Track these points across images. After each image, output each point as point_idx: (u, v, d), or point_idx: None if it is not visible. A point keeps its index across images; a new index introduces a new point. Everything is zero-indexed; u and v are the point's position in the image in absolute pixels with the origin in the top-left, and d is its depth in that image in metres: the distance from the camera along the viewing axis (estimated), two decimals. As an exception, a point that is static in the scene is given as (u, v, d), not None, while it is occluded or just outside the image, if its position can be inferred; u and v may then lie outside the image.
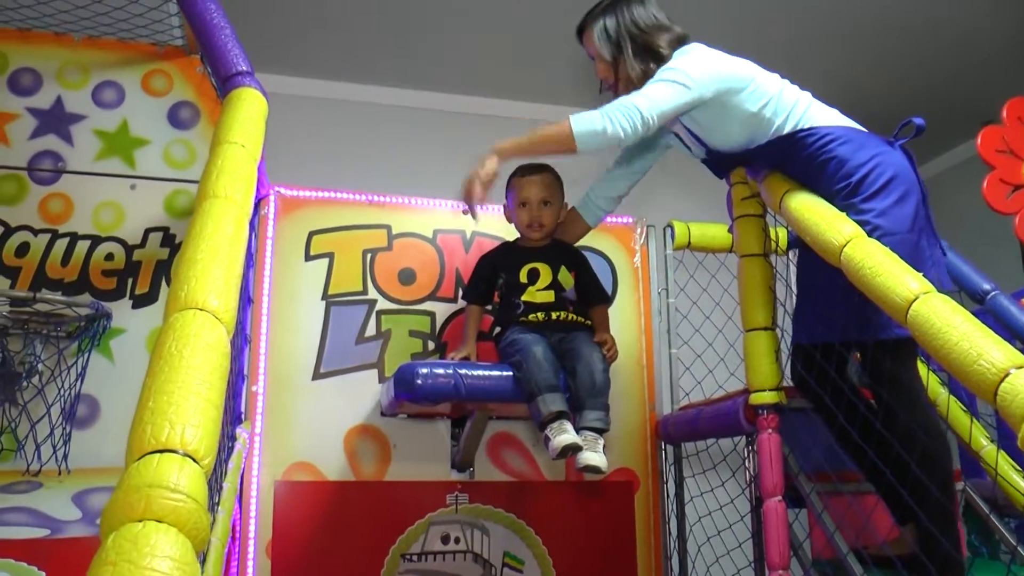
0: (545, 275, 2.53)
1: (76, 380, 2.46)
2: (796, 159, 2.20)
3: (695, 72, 2.19)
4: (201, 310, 1.15)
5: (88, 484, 2.30)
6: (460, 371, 2.31)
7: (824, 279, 2.07)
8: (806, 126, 2.20)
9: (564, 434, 2.21)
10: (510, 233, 2.94)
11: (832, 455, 2.43)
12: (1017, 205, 2.68)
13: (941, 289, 1.77)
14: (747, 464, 2.53)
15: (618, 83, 2.38)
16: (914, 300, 1.74)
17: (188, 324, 1.11)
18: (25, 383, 2.44)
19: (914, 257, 2.02)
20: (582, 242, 2.94)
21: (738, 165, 2.38)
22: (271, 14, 4.05)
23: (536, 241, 2.60)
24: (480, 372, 2.33)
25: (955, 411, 2.58)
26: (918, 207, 2.13)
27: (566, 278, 2.56)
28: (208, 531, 0.89)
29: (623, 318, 2.98)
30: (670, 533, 2.94)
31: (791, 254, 2.97)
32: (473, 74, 4.62)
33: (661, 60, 2.28)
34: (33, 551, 1.90)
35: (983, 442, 2.63)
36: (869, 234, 1.95)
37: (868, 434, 2.06)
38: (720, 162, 2.40)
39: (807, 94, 2.30)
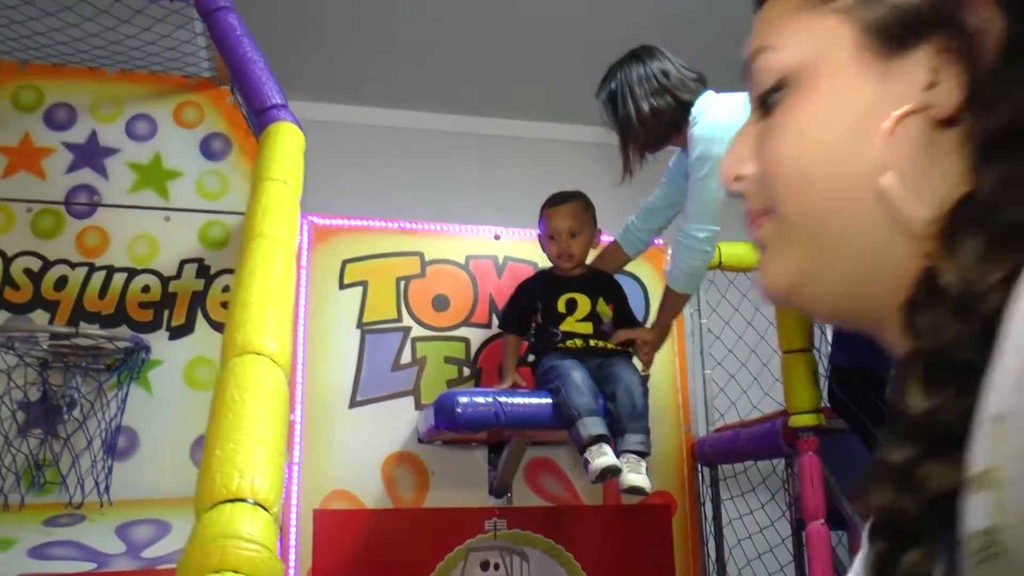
0: (583, 306, 2.50)
1: (116, 412, 2.48)
2: None
3: (715, 151, 2.11)
4: (259, 354, 1.15)
5: (130, 516, 2.31)
6: (500, 399, 2.30)
7: None
8: None
9: (603, 456, 2.20)
10: (541, 257, 2.95)
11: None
12: None
13: None
14: (787, 486, 2.51)
15: (631, 150, 2.35)
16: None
17: (248, 369, 1.11)
18: (67, 416, 2.46)
19: None
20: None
21: None
22: (301, 40, 4.08)
23: (571, 270, 2.56)
24: (520, 400, 2.32)
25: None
26: None
27: (604, 310, 2.53)
28: (281, 580, 0.89)
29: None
30: (708, 556, 2.92)
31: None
32: (506, 97, 4.63)
33: (682, 111, 2.25)
34: (81, 587, 1.92)
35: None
36: None
37: None
38: None
39: None
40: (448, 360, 2.79)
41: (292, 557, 2.51)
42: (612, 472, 2.20)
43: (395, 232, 2.89)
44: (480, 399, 2.29)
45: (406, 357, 2.76)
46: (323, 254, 2.79)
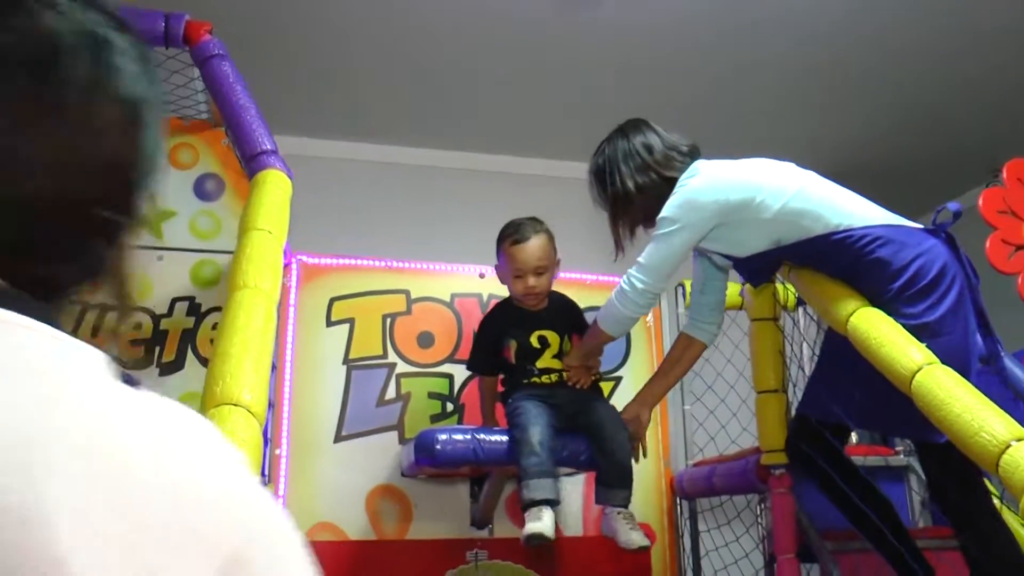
0: (554, 344, 2.54)
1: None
2: (834, 262, 2.11)
3: (686, 216, 2.15)
4: (235, 405, 1.23)
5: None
6: (478, 436, 2.38)
7: (849, 363, 2.04)
8: (841, 227, 2.09)
9: (537, 523, 2.23)
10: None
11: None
12: (1019, 265, 2.73)
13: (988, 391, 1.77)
14: (760, 521, 2.58)
15: (620, 226, 2.36)
16: (917, 371, 1.80)
17: (224, 421, 1.19)
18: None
19: (967, 359, 2.00)
20: (595, 302, 3.03)
21: (772, 270, 2.33)
22: (291, 76, 4.18)
23: (538, 306, 2.58)
24: (496, 437, 2.40)
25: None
26: (967, 301, 2.07)
27: (568, 347, 2.58)
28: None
29: (637, 376, 3.05)
30: (686, 587, 2.98)
31: (800, 311, 3.04)
32: (492, 132, 4.73)
33: (667, 186, 2.24)
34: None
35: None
36: (919, 335, 1.90)
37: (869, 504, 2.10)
38: (751, 269, 2.32)
39: (838, 188, 2.20)
40: (432, 396, 2.87)
41: (278, 589, 2.57)
42: (540, 540, 2.24)
43: (382, 270, 2.97)
44: (459, 436, 2.36)
45: (391, 393, 2.83)
46: (311, 292, 2.87)
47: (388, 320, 2.90)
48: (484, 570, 2.77)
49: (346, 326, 2.86)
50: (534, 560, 2.82)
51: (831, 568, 2.39)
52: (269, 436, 2.67)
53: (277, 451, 2.67)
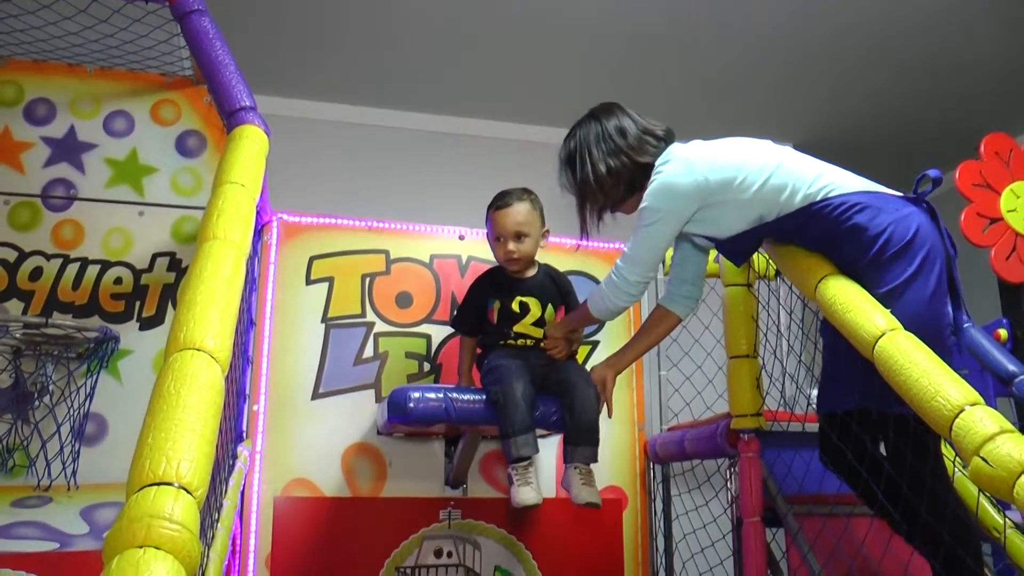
0: (534, 311, 2.58)
1: (85, 400, 2.57)
2: (813, 233, 2.09)
3: (666, 204, 2.13)
4: (198, 350, 1.25)
5: (95, 499, 2.40)
6: (451, 395, 2.41)
7: (844, 346, 1.97)
8: (819, 198, 2.06)
9: (527, 487, 2.28)
10: (504, 258, 3.06)
11: (809, 478, 2.53)
12: (993, 238, 2.77)
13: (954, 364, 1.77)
14: (729, 485, 2.62)
15: (589, 211, 2.34)
16: (880, 336, 1.82)
17: (186, 364, 1.21)
18: (37, 402, 2.55)
19: (935, 326, 1.97)
20: (574, 267, 3.06)
21: (753, 249, 2.30)
22: (272, 37, 4.17)
23: (520, 272, 2.62)
24: (469, 396, 2.43)
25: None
26: (940, 270, 2.02)
27: (552, 318, 2.61)
28: (199, 557, 0.99)
29: (613, 342, 3.08)
30: (657, 549, 3.03)
31: (777, 280, 3.07)
32: (474, 97, 4.73)
33: (640, 172, 2.23)
34: (44, 564, 2.01)
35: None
36: (887, 301, 1.91)
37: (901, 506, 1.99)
38: (733, 250, 2.27)
39: (815, 161, 2.17)
40: (409, 355, 2.90)
41: (252, 542, 2.62)
42: (532, 506, 2.30)
43: (362, 231, 2.98)
44: (431, 395, 2.39)
45: (368, 352, 2.86)
46: (291, 250, 2.89)
47: (367, 280, 2.92)
48: (458, 529, 2.81)
49: (325, 285, 2.88)
50: (508, 520, 2.86)
51: (795, 531, 2.44)
52: (247, 392, 2.70)
53: (255, 407, 2.70)
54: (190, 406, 1.14)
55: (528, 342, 2.56)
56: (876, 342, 1.82)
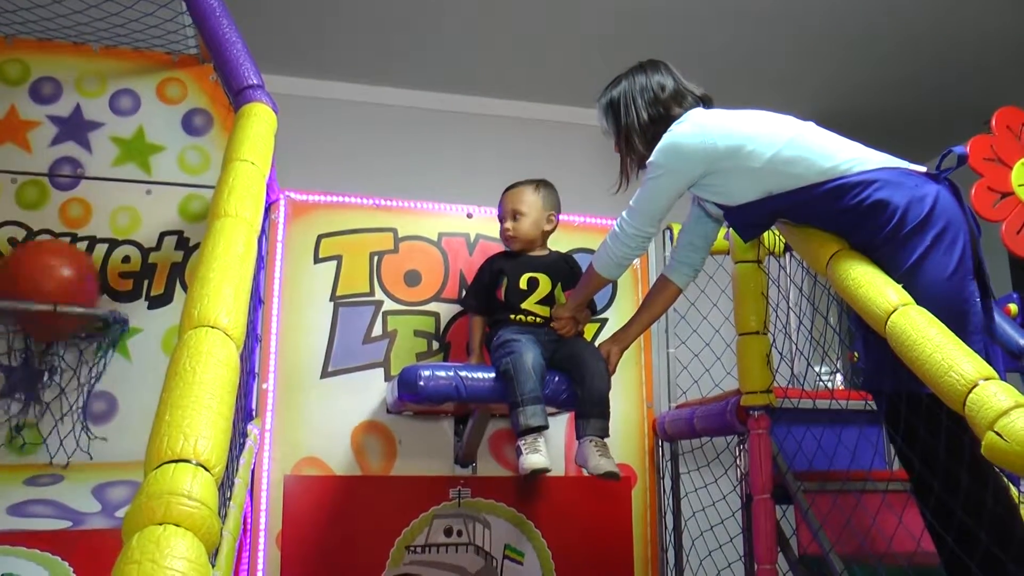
0: (544, 287, 2.62)
1: (96, 379, 2.58)
2: (830, 213, 2.03)
3: (671, 162, 2.15)
4: (213, 328, 1.25)
5: (107, 477, 2.41)
6: (461, 373, 2.41)
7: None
8: (836, 175, 2.01)
9: (535, 455, 2.28)
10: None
11: (819, 455, 2.53)
12: (1004, 212, 2.74)
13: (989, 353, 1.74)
14: (738, 462, 2.62)
15: (629, 158, 2.36)
16: (893, 312, 1.81)
17: (201, 341, 1.21)
18: (48, 381, 2.55)
19: (959, 302, 1.90)
20: (585, 244, 3.06)
21: (764, 225, 2.25)
22: (279, 16, 4.14)
23: (524, 250, 2.70)
24: (479, 374, 2.42)
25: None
26: (964, 248, 1.95)
27: (560, 297, 2.64)
28: (218, 534, 0.99)
29: (622, 318, 3.07)
30: (666, 527, 3.04)
31: (787, 256, 3.06)
32: (481, 75, 4.70)
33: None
34: (57, 542, 2.01)
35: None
36: (908, 279, 1.87)
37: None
38: (742, 221, 2.23)
39: (837, 137, 2.11)
40: (418, 334, 2.89)
41: (263, 520, 2.62)
42: (540, 472, 2.31)
43: (370, 209, 2.97)
44: (442, 373, 2.39)
45: (377, 330, 2.86)
46: (299, 229, 2.88)
47: (375, 258, 2.91)
48: (467, 508, 2.82)
49: (333, 263, 2.87)
50: (517, 498, 2.87)
51: (806, 508, 2.44)
52: (256, 370, 2.70)
53: (264, 385, 2.70)
54: (206, 383, 1.13)
55: (537, 319, 2.59)
56: (888, 317, 1.81)
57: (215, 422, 1.08)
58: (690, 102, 2.30)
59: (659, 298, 2.53)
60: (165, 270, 2.80)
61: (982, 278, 2.01)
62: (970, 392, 1.59)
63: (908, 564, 2.19)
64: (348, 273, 2.88)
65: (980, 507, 1.86)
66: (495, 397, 2.42)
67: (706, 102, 2.34)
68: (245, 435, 2.42)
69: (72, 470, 2.50)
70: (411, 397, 2.40)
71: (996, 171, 2.78)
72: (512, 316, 2.59)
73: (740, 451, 2.61)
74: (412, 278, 2.94)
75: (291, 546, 2.63)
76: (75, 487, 2.37)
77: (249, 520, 2.55)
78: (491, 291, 2.66)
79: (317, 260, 2.87)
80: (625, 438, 3.02)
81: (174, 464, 1.00)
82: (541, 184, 2.72)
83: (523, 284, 2.62)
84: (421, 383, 2.36)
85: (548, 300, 2.61)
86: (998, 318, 2.72)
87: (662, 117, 2.28)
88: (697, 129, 2.14)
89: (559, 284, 2.64)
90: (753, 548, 2.44)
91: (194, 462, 1.01)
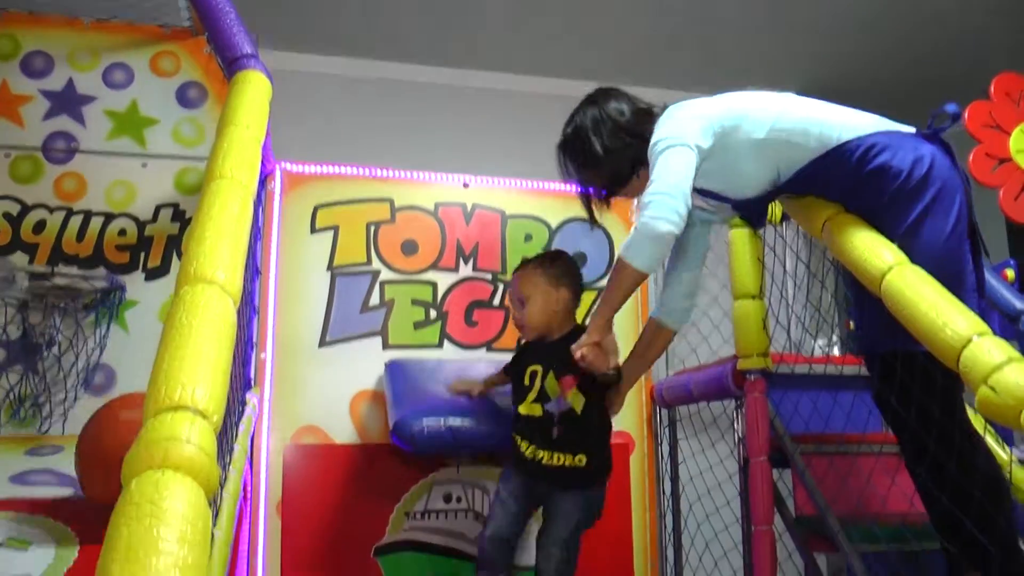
0: (538, 379, 2.30)
1: (94, 350, 2.58)
2: (834, 181, 1.99)
3: (681, 130, 2.00)
4: (209, 283, 1.25)
5: (107, 448, 2.42)
6: (451, 424, 2.38)
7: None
8: (834, 142, 1.97)
9: None
10: (508, 204, 3.06)
11: (815, 417, 2.55)
12: (1002, 179, 2.74)
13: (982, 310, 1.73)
14: (736, 426, 2.63)
15: (611, 187, 2.21)
16: (888, 271, 1.82)
17: (197, 296, 1.21)
18: (46, 353, 2.56)
19: (955, 263, 1.90)
20: (581, 213, 3.05)
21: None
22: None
23: (554, 333, 2.35)
24: (470, 424, 2.42)
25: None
26: (960, 209, 1.93)
27: (552, 386, 2.27)
28: (217, 480, 1.00)
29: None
30: (664, 492, 3.06)
31: (784, 225, 3.06)
32: (477, 49, 4.68)
33: (643, 145, 2.08)
34: (61, 509, 2.03)
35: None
36: (906, 241, 1.86)
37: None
38: (753, 212, 2.20)
39: (823, 104, 2.07)
40: (415, 303, 2.90)
41: (263, 490, 2.64)
42: None
43: (366, 179, 2.97)
44: (435, 424, 2.37)
45: (375, 299, 2.87)
46: (295, 200, 2.88)
47: (372, 228, 2.92)
48: (466, 475, 2.83)
49: (330, 233, 2.88)
50: (515, 465, 2.88)
51: (802, 469, 2.46)
52: (255, 340, 2.71)
53: (262, 355, 2.71)
54: (203, 336, 1.14)
55: (528, 450, 2.28)
56: (884, 277, 1.81)
57: (213, 373, 1.09)
58: (652, 122, 2.11)
59: (656, 341, 2.39)
60: (161, 242, 2.80)
61: (975, 237, 2.02)
62: (964, 348, 1.60)
63: (902, 524, 2.22)
64: (345, 243, 2.89)
65: (973, 466, 1.88)
66: (488, 445, 2.44)
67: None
68: (244, 403, 2.43)
69: (71, 440, 2.51)
70: (407, 448, 2.40)
71: (994, 137, 2.78)
72: (516, 428, 2.33)
73: (737, 415, 2.62)
74: (409, 247, 2.94)
75: (291, 514, 2.65)
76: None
77: (249, 488, 2.57)
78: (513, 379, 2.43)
79: (314, 230, 2.88)
80: (624, 406, 3.02)
81: (172, 412, 1.01)
82: (548, 260, 2.41)
83: (526, 379, 2.32)
84: (415, 435, 2.36)
85: (539, 398, 2.28)
86: (995, 282, 2.74)
87: (628, 145, 2.12)
88: (693, 109, 2.05)
89: (551, 371, 2.26)
90: (750, 510, 2.45)
91: (192, 410, 1.02)
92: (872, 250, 1.87)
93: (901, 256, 1.83)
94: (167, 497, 0.90)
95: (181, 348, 1.10)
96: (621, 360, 2.29)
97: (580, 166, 2.19)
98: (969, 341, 1.60)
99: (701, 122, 2.02)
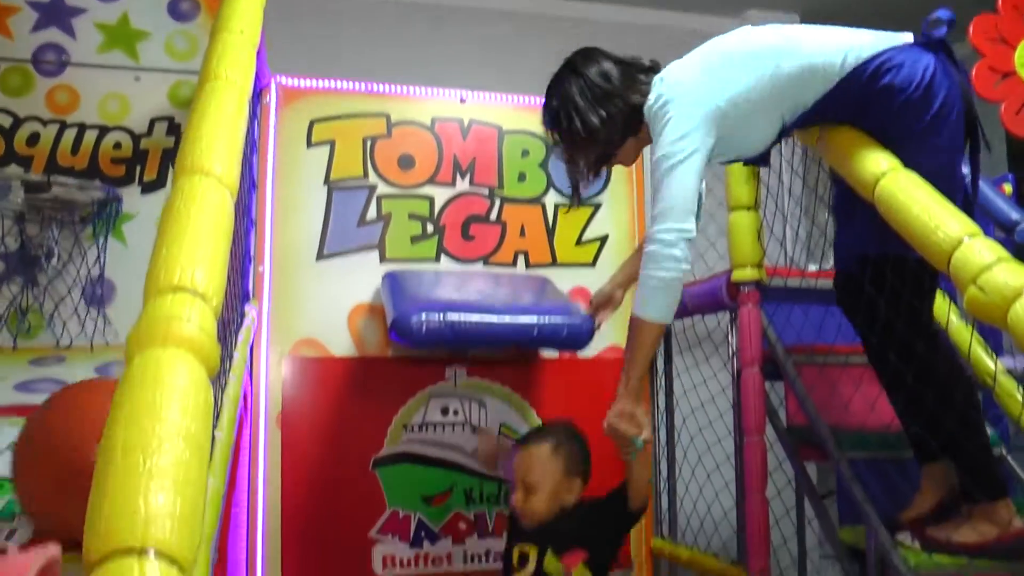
0: (531, 562, 2.08)
1: (94, 263, 2.60)
2: (842, 105, 1.94)
3: (686, 132, 1.90)
4: (206, 175, 1.26)
5: (108, 358, 2.46)
6: (451, 319, 2.35)
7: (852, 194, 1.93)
8: (835, 76, 1.92)
9: None
10: (505, 119, 3.05)
11: (807, 330, 2.58)
12: (1004, 93, 2.73)
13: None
14: (729, 339, 2.67)
15: (603, 158, 2.13)
16: (882, 176, 1.83)
17: (195, 187, 1.22)
18: (45, 265, 2.58)
19: (949, 177, 1.88)
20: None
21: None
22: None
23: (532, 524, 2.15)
24: (475, 318, 2.40)
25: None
26: (958, 117, 1.93)
27: (553, 567, 2.06)
28: (218, 361, 1.02)
29: (617, 207, 3.10)
30: (658, 407, 3.11)
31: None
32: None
33: (634, 112, 2.02)
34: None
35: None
36: (910, 151, 1.85)
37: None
38: (759, 158, 2.16)
39: (811, 29, 2.00)
40: (412, 217, 2.90)
41: (262, 402, 2.68)
42: None
43: (362, 95, 2.95)
44: (435, 317, 2.35)
45: (371, 214, 2.87)
46: (291, 114, 2.86)
47: (368, 143, 2.90)
48: (464, 388, 2.88)
49: (326, 148, 2.86)
50: (511, 379, 2.93)
51: (793, 377, 2.50)
52: (252, 253, 2.72)
53: (260, 268, 2.73)
54: (201, 223, 1.15)
55: None
56: (877, 182, 1.82)
57: (211, 257, 1.10)
58: (643, 80, 2.04)
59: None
60: (157, 155, 2.80)
61: (976, 132, 2.02)
62: (955, 250, 1.62)
63: (888, 431, 2.27)
64: (341, 158, 2.88)
65: (960, 369, 1.94)
66: (490, 340, 2.44)
67: (656, 70, 2.09)
68: (243, 315, 2.45)
69: (74, 352, 2.54)
70: (405, 342, 2.41)
71: (999, 51, 2.75)
72: None
73: (731, 328, 2.64)
74: (406, 162, 2.93)
75: (291, 426, 2.70)
76: (78, 366, 2.42)
77: (249, 398, 2.61)
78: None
79: (310, 145, 2.86)
80: (618, 320, 3.04)
81: (172, 293, 1.03)
82: (562, 441, 2.20)
83: (514, 559, 2.12)
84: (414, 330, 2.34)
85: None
86: (991, 193, 2.75)
87: (620, 111, 2.03)
88: (688, 103, 1.93)
89: (549, 549, 2.05)
90: (743, 420, 2.50)
91: (191, 291, 1.03)
92: (868, 157, 1.88)
93: (896, 162, 1.84)
94: (168, 372, 0.92)
95: (180, 234, 1.11)
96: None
97: (570, 139, 2.10)
98: (960, 242, 1.61)
99: (703, 115, 1.92)
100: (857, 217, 2.03)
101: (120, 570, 0.73)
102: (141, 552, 0.74)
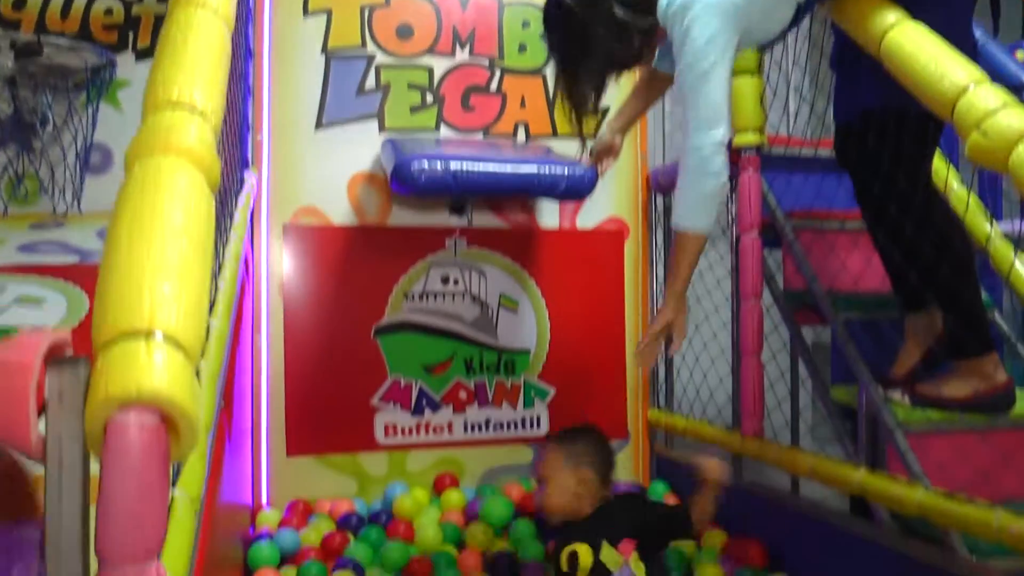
0: (584, 560, 1.98)
1: (88, 129, 2.58)
2: None
3: (711, 36, 1.80)
4: (202, 6, 1.24)
5: (107, 223, 2.46)
6: (453, 167, 2.37)
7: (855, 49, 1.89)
8: None
9: None
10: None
11: (805, 195, 2.58)
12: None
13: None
14: (728, 206, 2.67)
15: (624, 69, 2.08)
16: (889, 29, 1.79)
17: (191, 16, 1.21)
18: (40, 131, 2.56)
19: (964, 34, 1.86)
20: None
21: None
22: None
23: (581, 513, 2.10)
24: (478, 167, 2.40)
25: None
26: None
27: (611, 557, 1.98)
28: (218, 175, 1.02)
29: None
30: (656, 279, 3.13)
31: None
32: None
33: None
34: (67, 273, 2.08)
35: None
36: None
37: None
38: (774, 40, 2.08)
39: None
40: (412, 87, 2.87)
41: (264, 269, 2.70)
42: None
43: (358, -39, 2.88)
44: (438, 166, 2.36)
45: (370, 83, 2.83)
46: (285, -20, 2.79)
47: (366, 11, 2.84)
48: (463, 258, 2.89)
49: (323, 16, 2.80)
50: (511, 249, 2.94)
51: (791, 241, 2.51)
52: (250, 122, 2.70)
53: (259, 136, 2.71)
54: (198, 49, 1.14)
55: None
56: (884, 35, 1.79)
57: (210, 80, 1.09)
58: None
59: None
60: (149, 21, 2.74)
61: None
62: (961, 96, 1.60)
63: (885, 293, 2.29)
64: (339, 26, 2.82)
65: (958, 222, 1.95)
66: (492, 188, 2.43)
67: None
68: (243, 181, 2.45)
69: (73, 217, 2.55)
70: (407, 191, 2.41)
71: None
72: None
73: (731, 195, 2.64)
74: (404, 31, 2.88)
75: (293, 293, 2.72)
76: (78, 230, 2.42)
77: (251, 264, 2.63)
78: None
79: (307, 13, 2.80)
80: (619, 191, 3.06)
81: (171, 109, 1.02)
82: (569, 438, 2.18)
83: (564, 564, 2.02)
84: (415, 177, 2.35)
85: (599, 571, 1.96)
86: (1001, 54, 2.71)
87: (637, 16, 1.92)
88: (707, 3, 1.83)
89: (605, 542, 1.98)
90: (739, 284, 2.52)
91: (190, 108, 1.03)
92: (875, 10, 1.84)
93: (903, 14, 1.80)
94: (169, 178, 0.93)
95: (177, 58, 1.10)
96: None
97: (582, 63, 1.99)
98: (966, 90, 1.60)
99: (724, 14, 1.81)
100: (858, 71, 2.00)
101: (128, 351, 0.74)
102: (148, 334, 0.76)
